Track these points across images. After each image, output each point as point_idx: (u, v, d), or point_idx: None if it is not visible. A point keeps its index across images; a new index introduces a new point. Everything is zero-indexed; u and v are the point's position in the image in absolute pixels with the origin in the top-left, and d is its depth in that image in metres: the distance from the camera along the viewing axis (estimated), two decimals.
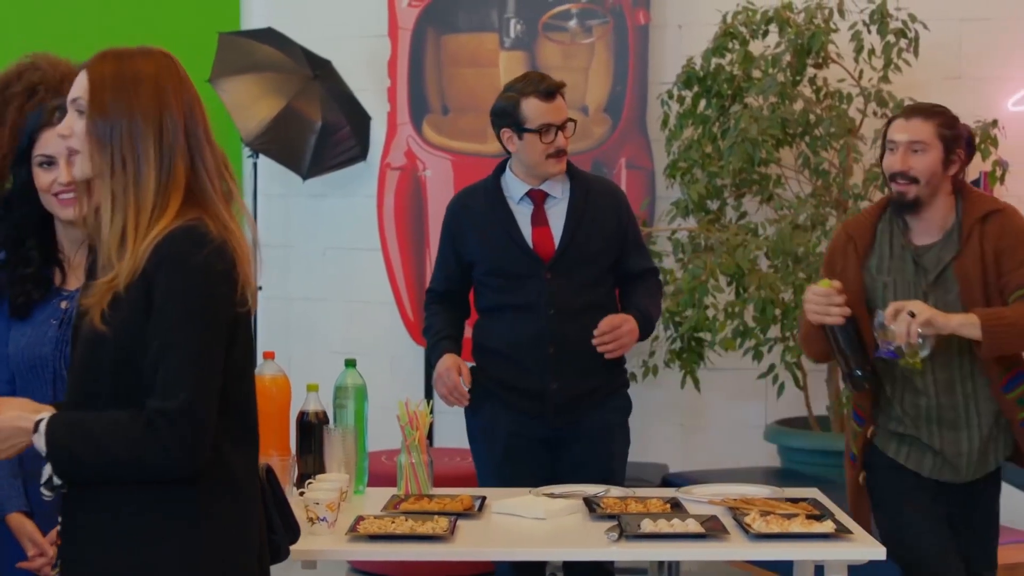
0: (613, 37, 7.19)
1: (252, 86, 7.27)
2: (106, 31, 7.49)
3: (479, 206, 4.88)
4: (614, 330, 4.70)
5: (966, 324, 4.11)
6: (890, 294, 4.28)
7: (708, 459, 6.90)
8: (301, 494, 3.97)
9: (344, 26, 7.63)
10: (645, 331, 4.81)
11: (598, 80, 7.21)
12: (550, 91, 4.76)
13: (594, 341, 4.69)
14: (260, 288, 7.18)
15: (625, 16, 7.17)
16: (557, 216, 4.82)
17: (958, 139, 4.28)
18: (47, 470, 2.81)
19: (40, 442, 2.79)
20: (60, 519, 2.91)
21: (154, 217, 2.83)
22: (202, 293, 2.80)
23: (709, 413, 7.28)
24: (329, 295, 7.78)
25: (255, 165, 7.50)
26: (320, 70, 7.36)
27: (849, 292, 4.28)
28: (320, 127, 7.28)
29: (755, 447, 6.98)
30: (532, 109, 4.76)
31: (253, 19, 7.93)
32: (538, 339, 4.73)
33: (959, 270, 4.22)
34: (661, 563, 6.10)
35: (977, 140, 6.41)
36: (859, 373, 4.29)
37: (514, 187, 4.87)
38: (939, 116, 4.28)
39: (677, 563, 6.08)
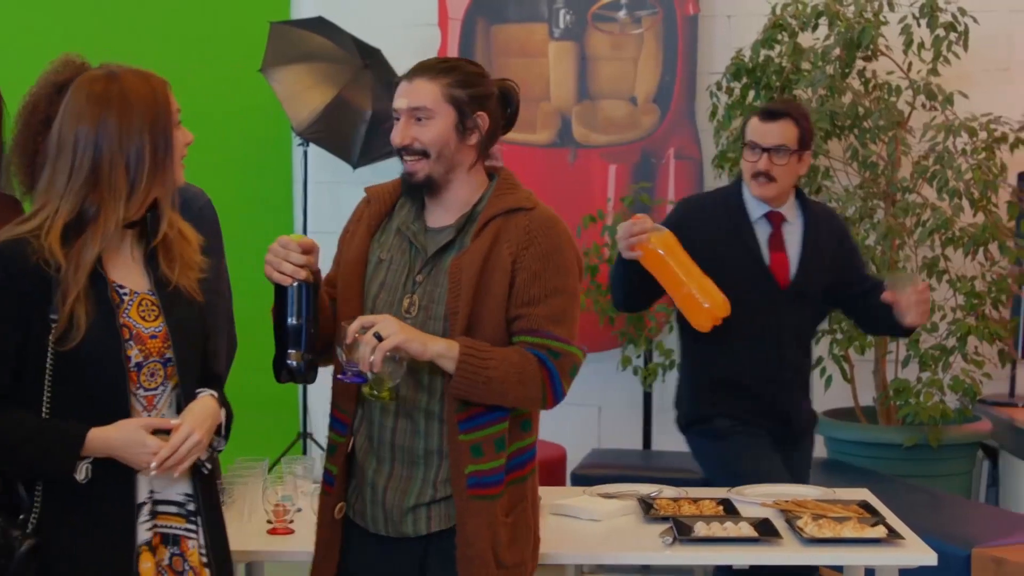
0: (662, 28, 7.22)
1: (303, 76, 7.33)
2: (159, 23, 7.58)
3: (719, 218, 4.85)
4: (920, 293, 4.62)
5: (445, 356, 3.26)
6: (382, 273, 3.44)
7: None
8: None
9: (394, 15, 7.69)
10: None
11: (647, 70, 7.25)
12: (767, 113, 4.84)
13: (911, 305, 4.60)
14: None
15: (674, 7, 7.19)
16: (792, 243, 4.84)
17: (480, 100, 3.40)
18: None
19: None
20: None
21: None
22: None
23: None
24: None
25: (305, 153, 7.57)
26: (370, 59, 7.41)
27: (346, 264, 3.49)
28: (370, 116, 7.34)
29: None
30: (750, 127, 4.84)
31: (303, 8, 7.98)
32: (778, 366, 4.83)
33: (455, 266, 3.34)
34: None
35: None
36: (293, 364, 3.29)
37: (752, 205, 4.85)
38: (450, 73, 3.38)
39: None
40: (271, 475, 4.15)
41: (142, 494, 3.15)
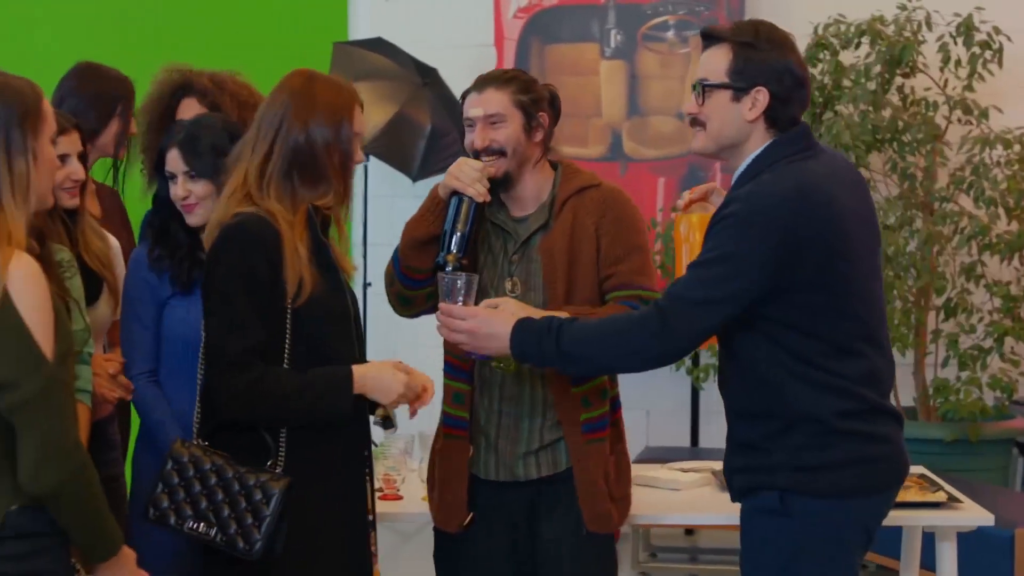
0: None
1: (366, 93, 7.45)
2: (226, 42, 7.85)
3: None
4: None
5: None
6: (482, 257, 3.90)
7: None
8: None
9: (450, 35, 8.01)
10: (525, 342, 3.51)
11: None
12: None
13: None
14: (370, 284, 7.61)
15: None
16: None
17: (538, 103, 3.88)
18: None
19: None
20: None
21: None
22: None
23: None
24: None
25: (365, 168, 7.84)
26: (428, 78, 7.73)
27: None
28: (429, 131, 7.66)
29: None
30: None
31: (359, 28, 8.29)
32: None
33: (544, 244, 3.83)
34: None
35: None
36: (450, 266, 3.71)
37: None
38: (513, 82, 3.88)
39: None
40: (374, 451, 4.49)
41: None
